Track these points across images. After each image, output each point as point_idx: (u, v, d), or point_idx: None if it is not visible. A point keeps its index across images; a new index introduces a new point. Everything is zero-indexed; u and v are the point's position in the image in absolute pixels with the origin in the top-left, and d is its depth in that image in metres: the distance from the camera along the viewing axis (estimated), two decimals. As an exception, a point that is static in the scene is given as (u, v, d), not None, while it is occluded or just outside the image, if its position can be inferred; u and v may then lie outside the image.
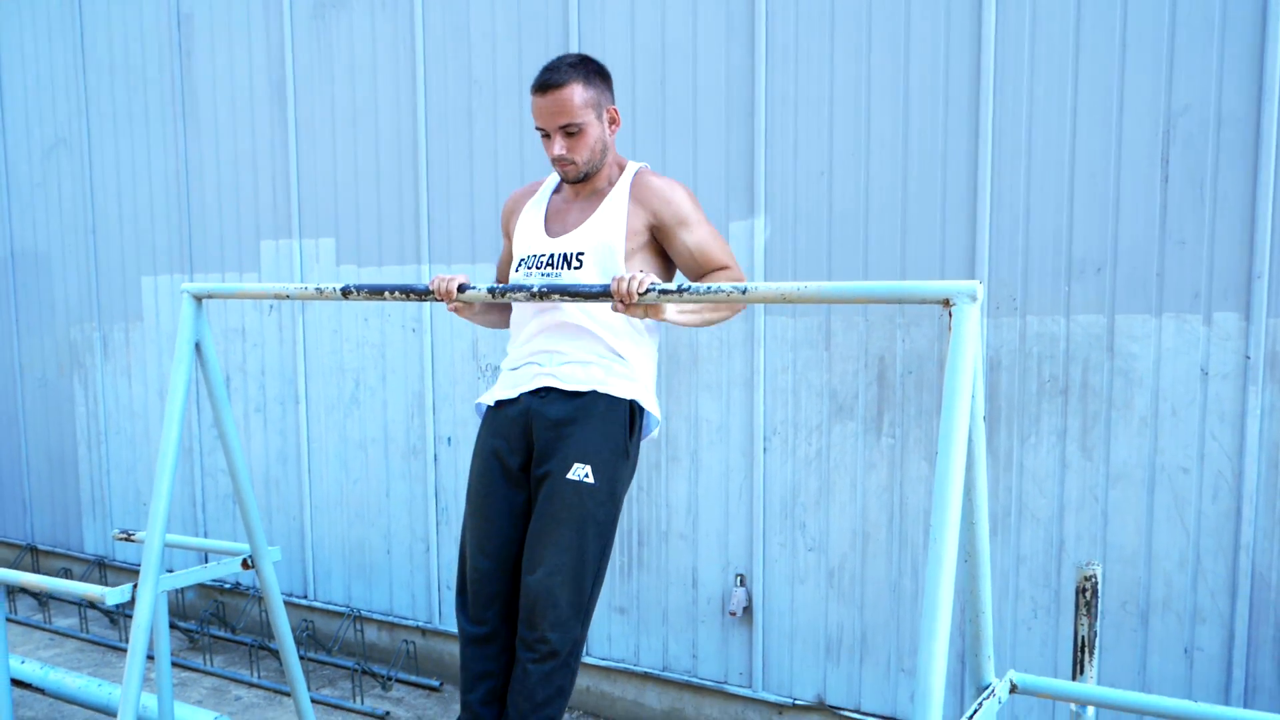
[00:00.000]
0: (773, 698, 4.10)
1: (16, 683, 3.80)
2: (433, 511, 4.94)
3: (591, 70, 2.37)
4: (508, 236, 2.59)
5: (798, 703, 4.05)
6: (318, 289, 2.30)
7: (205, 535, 5.80)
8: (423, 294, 2.19)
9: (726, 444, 4.14)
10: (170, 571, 2.96)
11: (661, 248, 2.35)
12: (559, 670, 2.17)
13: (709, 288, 1.86)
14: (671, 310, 2.13)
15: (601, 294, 1.99)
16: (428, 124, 4.83)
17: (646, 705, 4.44)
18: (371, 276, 5.02)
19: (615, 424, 2.25)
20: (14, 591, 6.53)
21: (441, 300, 2.17)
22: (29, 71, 6.48)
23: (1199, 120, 3.29)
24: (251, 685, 5.00)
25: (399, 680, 4.95)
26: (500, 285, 2.10)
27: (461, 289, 2.17)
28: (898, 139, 3.76)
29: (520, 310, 2.41)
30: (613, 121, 2.40)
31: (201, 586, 5.88)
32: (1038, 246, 3.54)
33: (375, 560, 5.17)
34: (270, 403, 5.48)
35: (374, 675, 4.93)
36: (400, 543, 5.07)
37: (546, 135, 2.35)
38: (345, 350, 5.17)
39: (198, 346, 2.50)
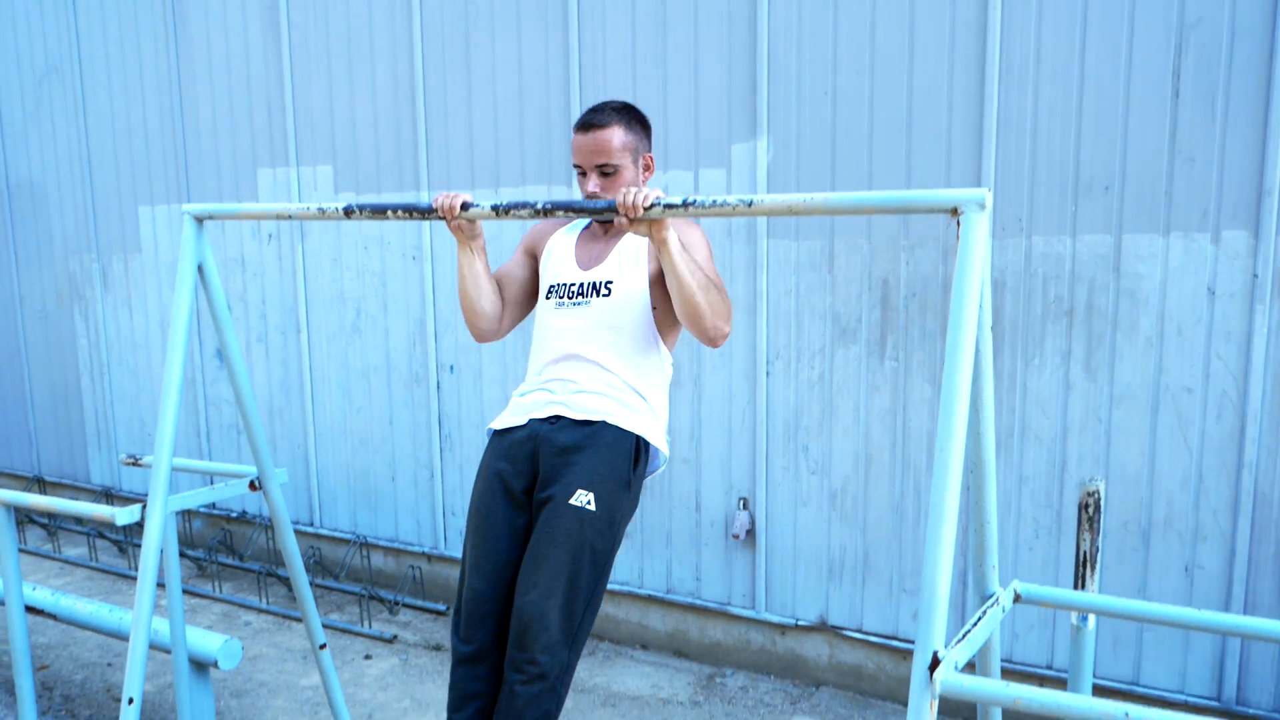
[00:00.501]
0: (775, 619, 4.15)
1: (29, 609, 3.85)
2: (436, 439, 4.96)
3: (634, 117, 2.43)
4: (526, 253, 2.61)
5: (800, 623, 4.11)
6: (320, 209, 2.28)
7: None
8: (426, 212, 2.17)
9: (729, 369, 4.14)
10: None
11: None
12: (546, 694, 2.19)
13: (713, 201, 1.84)
14: (674, 242, 2.10)
15: (608, 209, 1.97)
16: (424, 50, 4.75)
17: (651, 627, 4.50)
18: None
19: (621, 455, 2.26)
20: (24, 522, 6.59)
21: (444, 218, 2.15)
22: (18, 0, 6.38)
23: (1212, 33, 3.23)
24: (261, 611, 5.06)
25: (406, 605, 5.02)
26: (504, 204, 2.08)
27: (465, 207, 2.15)
28: (903, 57, 3.70)
29: (539, 339, 2.42)
30: (647, 168, 2.46)
31: (209, 516, 5.93)
32: (1045, 166, 3.51)
33: (380, 487, 5.20)
34: (272, 332, 5.47)
35: (381, 600, 4.99)
36: (404, 470, 5.10)
37: (583, 173, 2.37)
38: (346, 279, 5.15)
39: (200, 268, 2.48)
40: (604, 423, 2.29)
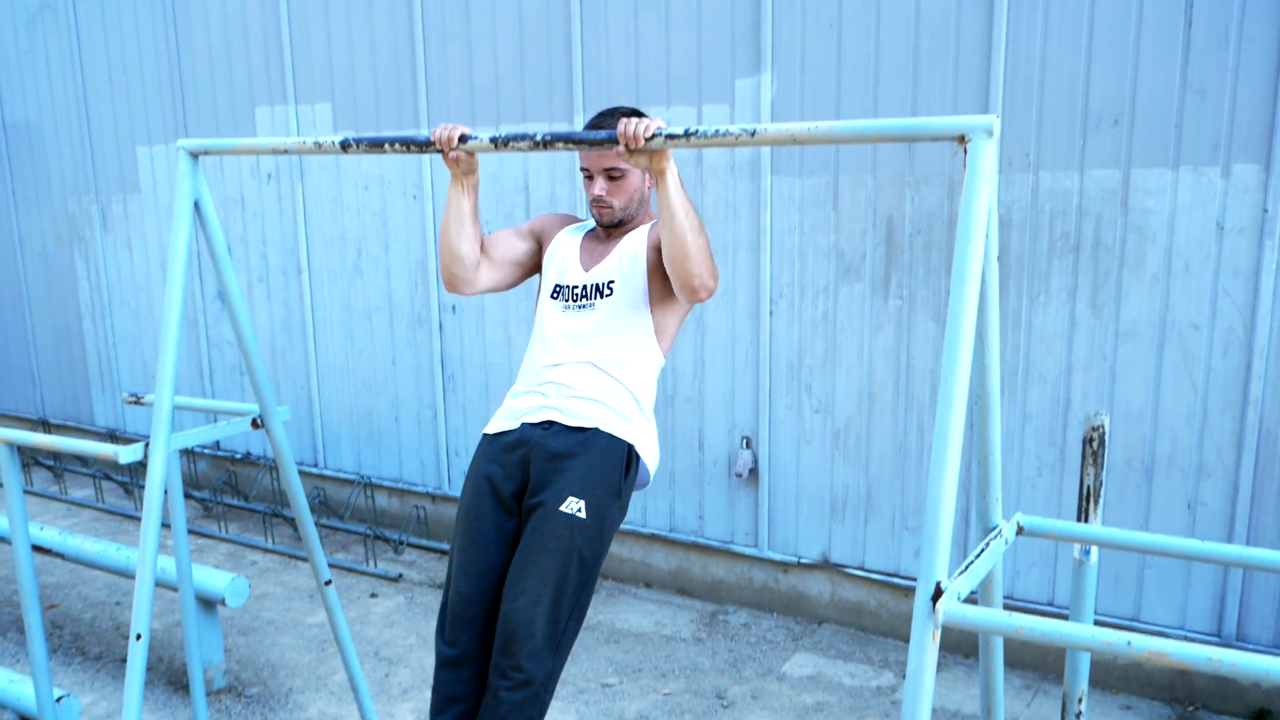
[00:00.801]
0: (778, 556, 4.17)
1: (37, 548, 3.88)
2: (439, 379, 4.96)
3: None
4: (532, 232, 2.57)
5: (802, 561, 4.13)
6: (316, 143, 2.24)
7: (214, 406, 5.84)
8: (424, 145, 2.13)
9: (733, 308, 4.12)
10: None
11: (669, 282, 2.29)
12: (531, 701, 2.18)
13: (715, 131, 1.80)
14: (673, 177, 2.06)
15: (608, 140, 1.94)
16: (423, -19, 4.67)
17: (654, 566, 4.53)
18: (370, 142, 4.93)
19: (613, 463, 2.23)
20: (29, 464, 6.62)
21: (441, 150, 2.12)
22: (9, -67, 6.27)
23: (1225, -39, 3.16)
24: (266, 551, 5.10)
25: (410, 544, 5.05)
26: (503, 135, 2.05)
27: (463, 139, 2.11)
28: (910, -12, 3.63)
29: (539, 339, 2.37)
30: None
31: (214, 457, 5.95)
32: (1053, 99, 3.45)
33: (383, 428, 5.21)
34: (273, 273, 5.44)
35: (386, 540, 5.02)
36: (408, 410, 5.11)
37: (589, 176, 2.32)
38: (346, 219, 5.12)
39: (196, 205, 2.45)
40: (597, 430, 2.26)
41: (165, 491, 2.44)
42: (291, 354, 5.46)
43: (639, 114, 2.26)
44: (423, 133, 4.74)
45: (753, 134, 1.76)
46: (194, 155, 2.42)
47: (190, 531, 5.28)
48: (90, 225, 6.23)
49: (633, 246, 2.36)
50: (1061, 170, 3.47)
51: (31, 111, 6.37)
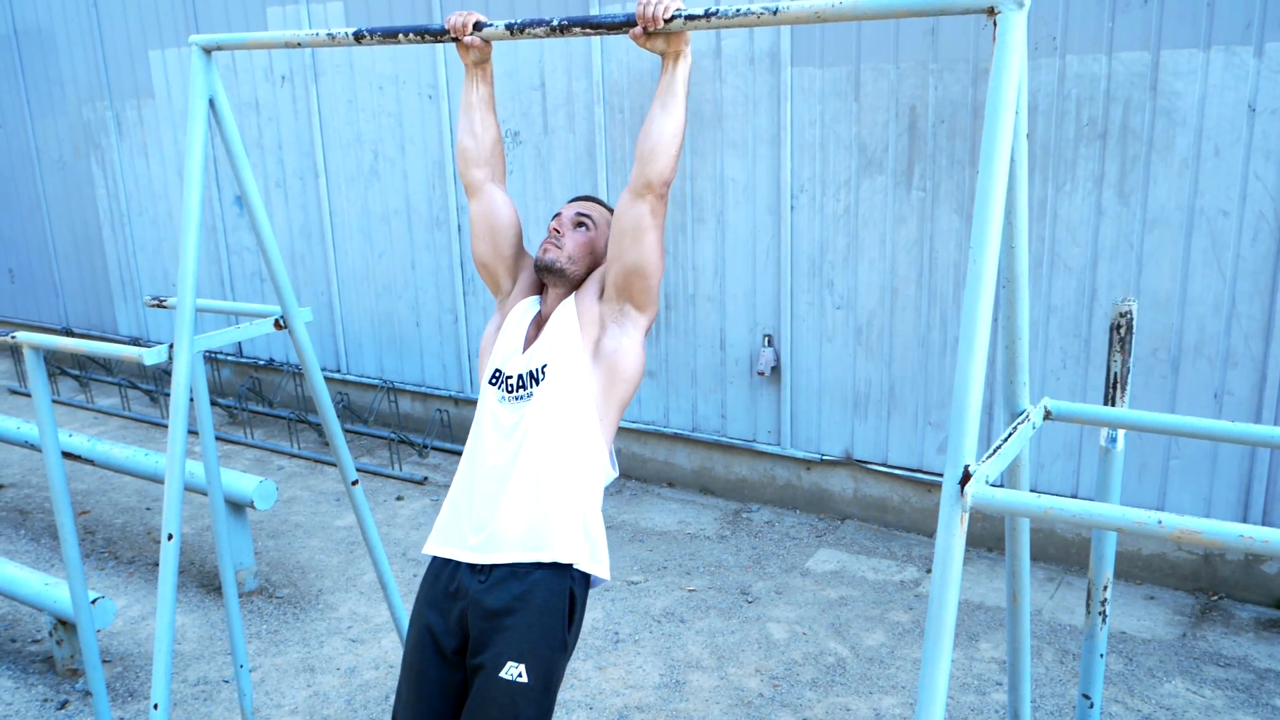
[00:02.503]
0: (801, 454, 4.19)
1: (66, 455, 3.93)
2: (459, 282, 4.95)
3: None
4: (517, 247, 2.37)
5: (825, 458, 4.15)
6: (330, 34, 2.20)
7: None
8: (439, 34, 2.08)
9: (753, 203, 4.07)
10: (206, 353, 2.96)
11: (614, 293, 2.16)
12: None
13: (736, 10, 1.75)
14: (686, 63, 1.97)
15: (625, 24, 1.88)
16: None
17: (677, 465, 4.56)
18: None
19: (554, 617, 2.12)
20: (55, 374, 6.70)
21: (456, 38, 2.07)
22: None
23: None
24: (292, 455, 5.17)
25: (434, 448, 5.10)
26: (519, 23, 1.99)
27: (478, 26, 2.06)
28: None
29: (478, 429, 2.22)
30: (604, 256, 2.28)
31: (237, 364, 5.99)
32: (1083, -21, 3.34)
33: (405, 332, 5.22)
34: (290, 177, 5.41)
35: (410, 444, 5.07)
36: (429, 314, 5.11)
37: (558, 220, 2.21)
38: (362, 120, 5.05)
39: (211, 103, 2.42)
40: (536, 580, 2.13)
41: (191, 398, 2.44)
42: (311, 259, 5.45)
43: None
44: (436, 23, 4.65)
45: (775, 12, 1.70)
46: (207, 51, 2.38)
47: (216, 438, 5.35)
48: (106, 132, 6.18)
49: (564, 316, 2.22)
50: (1089, 54, 3.37)
51: (43, 17, 6.28)
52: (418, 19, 4.70)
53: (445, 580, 2.21)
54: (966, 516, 1.42)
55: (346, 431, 5.30)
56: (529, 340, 2.25)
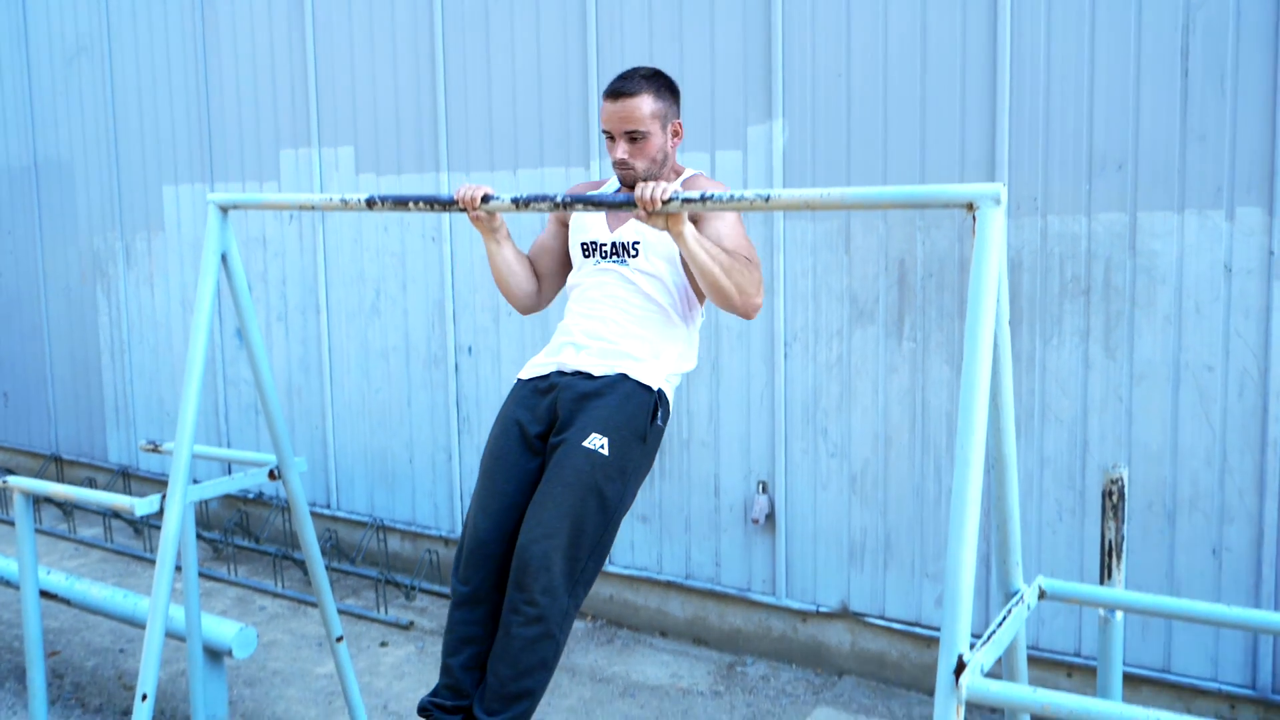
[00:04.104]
0: (796, 605, 4.15)
1: (44, 594, 3.86)
2: (454, 420, 4.97)
3: (663, 84, 2.44)
4: (558, 221, 2.60)
5: (821, 609, 4.10)
6: (343, 200, 2.27)
7: (228, 445, 5.86)
8: (447, 204, 2.16)
9: (747, 350, 4.13)
10: (196, 482, 2.97)
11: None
12: (544, 640, 2.15)
13: (730, 195, 1.82)
14: (690, 235, 2.08)
15: (626, 204, 1.96)
16: (445, 33, 4.73)
17: (670, 614, 4.51)
18: (390, 185, 4.98)
19: (639, 406, 2.25)
20: (39, 501, 6.65)
21: (465, 210, 2.15)
22: (42, -21, 6.40)
23: (1218, 12, 3.22)
24: (276, 595, 5.09)
25: (422, 590, 5.03)
26: (524, 196, 2.07)
27: (486, 199, 2.14)
28: (916, 37, 3.66)
29: (575, 295, 2.46)
30: (676, 134, 2.46)
31: (226, 497, 5.97)
32: (1058, 144, 3.48)
33: (398, 469, 5.22)
34: (291, 311, 5.48)
35: (397, 585, 5.01)
36: (422, 452, 5.12)
37: (611, 138, 2.36)
38: (366, 259, 5.16)
39: (223, 257, 2.49)
40: (624, 375, 2.28)
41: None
42: (308, 392, 5.49)
43: (659, 74, 2.39)
44: (444, 180, 4.79)
45: (767, 199, 1.78)
46: (224, 210, 2.46)
47: (199, 574, 5.29)
48: (114, 261, 6.30)
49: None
50: (1069, 214, 3.49)
51: (64, 150, 6.46)
52: (425, 164, 4.84)
53: (535, 383, 2.36)
54: (963, 708, 1.42)
55: (333, 570, 5.25)
56: (613, 221, 2.42)
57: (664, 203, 1.92)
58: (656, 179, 2.41)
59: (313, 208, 2.33)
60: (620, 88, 2.35)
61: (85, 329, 6.58)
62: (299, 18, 5.18)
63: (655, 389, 2.30)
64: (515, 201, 2.08)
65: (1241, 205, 3.24)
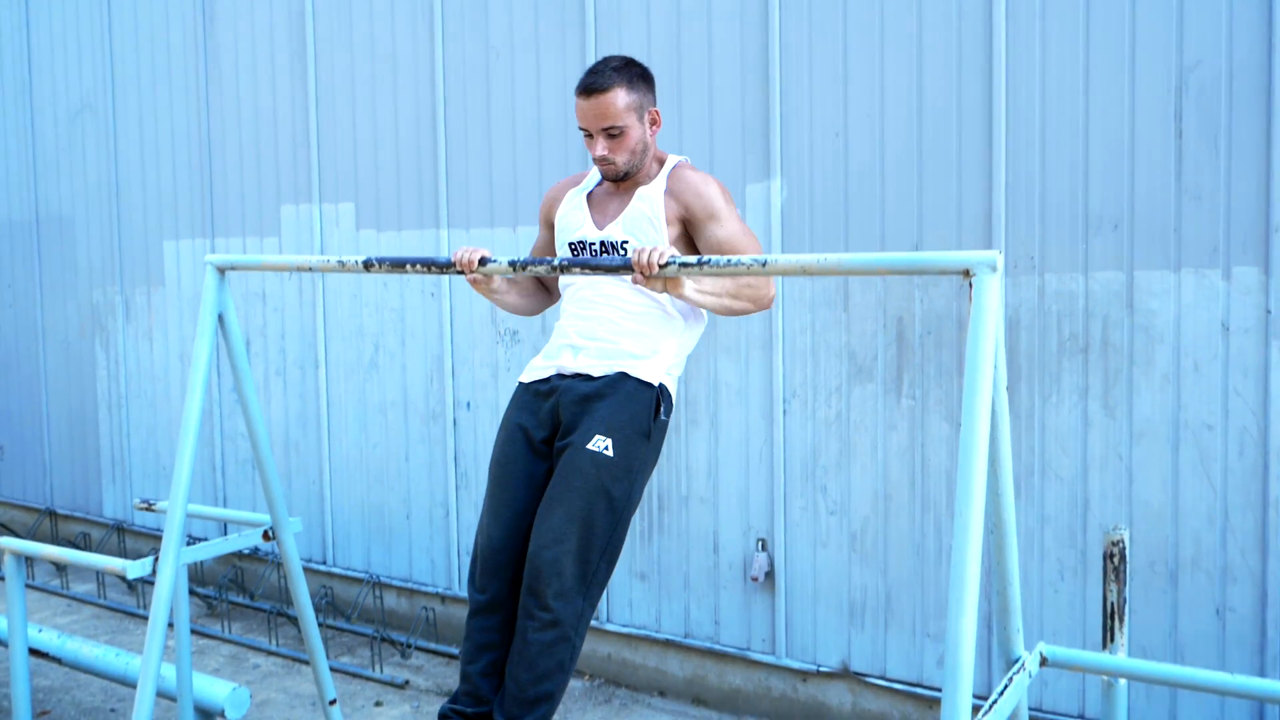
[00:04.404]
0: (796, 664, 4.10)
1: (34, 652, 3.82)
2: (452, 476, 4.95)
3: (635, 74, 2.42)
4: (546, 225, 2.62)
5: (822, 669, 4.05)
6: (340, 262, 2.28)
7: (224, 500, 5.84)
8: (445, 267, 2.17)
9: (746, 406, 4.12)
10: (189, 537, 2.95)
11: (694, 242, 2.36)
12: (560, 643, 2.16)
13: (728, 260, 1.83)
14: (690, 288, 2.11)
15: (623, 267, 1.97)
16: (446, 90, 4.78)
17: (669, 673, 4.45)
18: (391, 241, 5.00)
19: (641, 404, 2.26)
20: (32, 556, 6.59)
21: (463, 273, 2.16)
22: (57, 38, 6.47)
23: (1211, 74, 3.25)
24: (270, 653, 5.04)
25: (418, 648, 4.98)
26: (521, 259, 2.08)
27: (483, 261, 2.15)
28: (912, 97, 3.70)
29: (567, 296, 2.45)
30: (654, 123, 2.45)
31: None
32: (1054, 204, 3.51)
33: (394, 525, 5.19)
34: (290, 366, 5.48)
35: (393, 643, 4.96)
36: (420, 507, 5.09)
37: (589, 135, 2.36)
38: (365, 314, 5.17)
39: (220, 318, 2.49)
40: (624, 374, 2.28)
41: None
42: (305, 447, 5.47)
43: (630, 63, 2.36)
44: (444, 237, 4.81)
45: (764, 264, 1.78)
46: (221, 271, 2.46)
47: (192, 631, 5.23)
48: (113, 315, 6.31)
49: (647, 214, 2.36)
50: (1066, 272, 3.50)
51: (65, 204, 6.51)
52: (425, 221, 4.86)
53: (536, 386, 2.36)
54: (963, 783, 1.39)
55: (328, 627, 5.20)
56: (599, 219, 2.43)
57: (661, 266, 1.93)
58: (640, 169, 2.42)
59: (310, 269, 2.34)
60: (592, 83, 2.32)
61: (83, 383, 6.58)
62: (301, 76, 5.24)
63: (656, 384, 2.31)
64: (513, 265, 2.09)
65: (1238, 264, 3.25)
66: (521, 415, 2.33)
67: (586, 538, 2.15)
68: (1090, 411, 3.51)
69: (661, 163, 2.47)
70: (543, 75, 4.50)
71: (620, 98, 2.32)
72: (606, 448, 2.16)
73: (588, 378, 2.29)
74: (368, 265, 2.23)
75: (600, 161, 2.38)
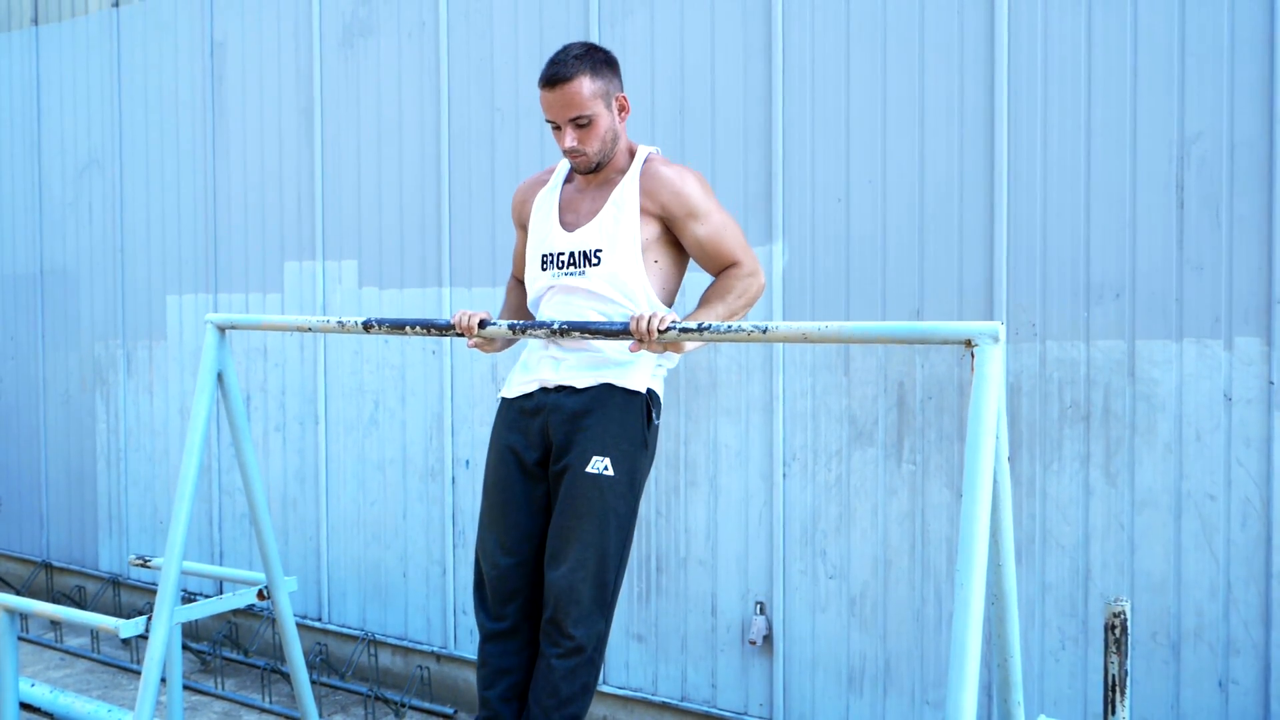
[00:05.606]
0: (793, 727, 4.05)
1: (26, 707, 3.78)
2: (450, 534, 4.92)
3: (599, 60, 2.35)
4: (521, 227, 2.52)
5: (818, 732, 4.00)
6: (340, 322, 2.29)
7: (221, 554, 5.80)
8: (444, 329, 2.18)
9: (746, 469, 4.11)
10: (184, 592, 2.92)
11: (673, 237, 2.31)
12: (584, 666, 2.17)
13: (728, 326, 1.84)
14: (690, 347, 2.12)
15: (621, 332, 1.97)
16: (451, 149, 4.84)
17: (665, 733, 4.40)
18: (393, 299, 5.03)
19: (632, 414, 2.24)
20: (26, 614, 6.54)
21: (463, 335, 2.16)
22: (66, 94, 6.55)
23: (1212, 145, 3.28)
24: (263, 710, 4.97)
25: (412, 707, 4.92)
26: (521, 323, 2.09)
27: (483, 325, 2.16)
28: (914, 165, 3.74)
29: (541, 306, 2.35)
30: (622, 109, 2.39)
31: (219, 607, 5.87)
32: (1056, 272, 3.52)
33: (391, 583, 5.15)
34: (290, 422, 5.48)
35: (387, 702, 4.89)
36: (417, 565, 5.06)
37: (557, 127, 2.31)
38: (365, 371, 5.17)
39: (220, 376, 2.50)
40: (609, 385, 2.24)
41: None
42: (303, 504, 5.45)
43: (592, 49, 2.28)
44: (446, 295, 4.84)
45: (764, 331, 1.79)
46: (221, 330, 2.47)
47: (185, 687, 5.17)
48: (115, 369, 6.32)
49: (618, 214, 2.29)
50: (1068, 340, 3.51)
51: (69, 259, 6.54)
52: (428, 279, 4.89)
53: (521, 403, 2.30)
54: None
55: (322, 685, 5.13)
56: (570, 220, 2.35)
57: (661, 333, 1.94)
58: (611, 158, 2.35)
59: (310, 329, 2.35)
60: (555, 73, 2.26)
61: (82, 436, 6.57)
62: (308, 135, 5.30)
63: (644, 391, 2.27)
64: (512, 328, 2.10)
65: (1240, 335, 3.26)
66: (511, 436, 2.30)
67: (601, 561, 2.16)
68: (1092, 480, 3.50)
69: (633, 154, 2.39)
70: (546, 139, 4.54)
71: (585, 85, 2.26)
72: (606, 467, 2.15)
73: (572, 390, 2.25)
74: (367, 326, 2.24)
75: (570, 153, 2.32)
